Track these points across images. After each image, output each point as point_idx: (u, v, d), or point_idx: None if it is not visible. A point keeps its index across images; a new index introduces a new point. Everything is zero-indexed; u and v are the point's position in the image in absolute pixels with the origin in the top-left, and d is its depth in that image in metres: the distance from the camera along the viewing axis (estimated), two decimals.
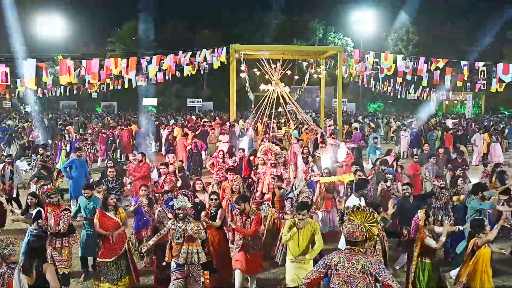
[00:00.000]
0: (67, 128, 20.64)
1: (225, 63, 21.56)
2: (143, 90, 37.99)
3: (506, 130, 22.56)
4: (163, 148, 18.35)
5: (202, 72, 25.27)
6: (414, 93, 36.69)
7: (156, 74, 23.49)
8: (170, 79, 24.63)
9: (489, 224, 8.15)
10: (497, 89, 20.45)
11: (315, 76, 26.02)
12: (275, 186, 8.47)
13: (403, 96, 37.30)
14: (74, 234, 7.23)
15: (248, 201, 6.91)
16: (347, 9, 48.03)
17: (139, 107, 41.90)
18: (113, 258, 6.84)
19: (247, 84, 21.90)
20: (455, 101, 46.75)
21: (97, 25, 46.09)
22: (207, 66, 22.94)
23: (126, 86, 25.68)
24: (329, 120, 25.78)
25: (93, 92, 35.68)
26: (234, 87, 20.81)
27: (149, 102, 42.70)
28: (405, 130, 20.54)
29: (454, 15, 47.91)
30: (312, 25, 48.44)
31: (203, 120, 25.21)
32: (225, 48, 21.10)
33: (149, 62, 20.92)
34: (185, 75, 23.62)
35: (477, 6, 48.32)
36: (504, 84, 19.99)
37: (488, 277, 5.74)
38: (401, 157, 18.87)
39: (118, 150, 18.44)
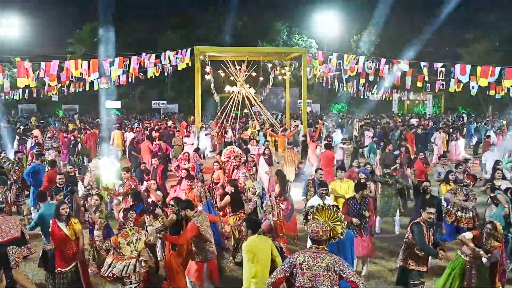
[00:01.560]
0: (33, 131, 19.87)
1: (190, 64, 21.42)
2: (106, 93, 37.31)
3: (465, 128, 23.38)
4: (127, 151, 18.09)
5: (166, 74, 24.95)
6: (377, 93, 37.53)
7: (119, 76, 23.09)
8: (134, 81, 24.23)
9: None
10: (455, 89, 21.15)
11: (280, 77, 26.22)
12: (228, 190, 8.44)
13: (366, 97, 38.06)
14: (26, 246, 6.42)
15: (188, 207, 6.59)
16: (310, 11, 48.58)
17: (102, 110, 41.10)
18: (66, 269, 6.56)
19: (212, 86, 21.82)
20: (416, 101, 48.03)
21: (56, 26, 44.88)
22: (171, 67, 22.71)
23: (87, 88, 25.11)
24: (295, 121, 25.99)
25: (53, 95, 34.67)
26: (199, 89, 20.70)
27: (112, 104, 41.83)
28: (368, 130, 20.91)
29: (413, 18, 49.29)
30: (276, 27, 48.76)
31: (168, 122, 24.97)
32: (189, 49, 20.96)
33: (112, 63, 20.52)
34: (149, 77, 23.30)
35: (436, 10, 49.85)
36: (461, 84, 20.66)
37: None
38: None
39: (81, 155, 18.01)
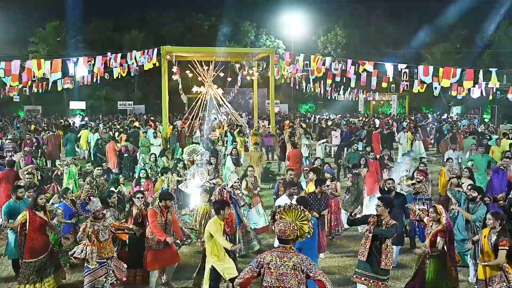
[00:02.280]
0: None
1: (157, 65, 21.15)
2: (70, 93, 36.46)
3: (428, 128, 24.01)
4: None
5: (132, 74, 24.58)
6: (343, 94, 38.10)
7: (83, 77, 22.59)
8: (99, 82, 23.75)
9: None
10: (419, 90, 21.68)
11: (248, 78, 26.27)
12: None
13: (333, 97, 38.58)
14: None
15: (168, 199, 7.11)
16: (278, 12, 48.87)
17: (66, 110, 40.17)
18: (37, 258, 6.78)
19: (180, 86, 21.64)
20: (381, 102, 49.00)
21: (18, 25, 43.48)
22: (137, 68, 22.39)
23: (49, 88, 24.46)
24: (263, 121, 26.10)
25: (14, 95, 33.61)
26: (166, 90, 20.53)
27: (77, 105, 40.99)
28: (335, 130, 21.16)
29: (378, 20, 50.31)
30: (244, 28, 48.83)
31: (134, 123, 24.62)
32: (156, 49, 20.70)
33: (75, 63, 20.04)
34: (115, 77, 22.89)
35: (400, 11, 51.17)
36: (425, 85, 21.19)
37: None
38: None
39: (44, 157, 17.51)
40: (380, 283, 6.04)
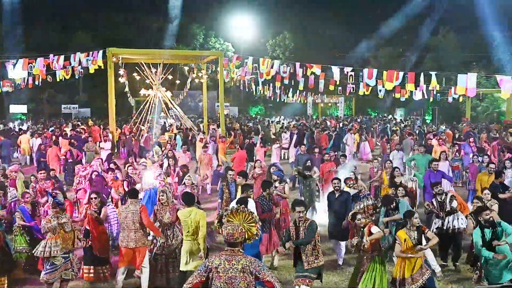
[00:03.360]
0: None
1: (102, 67, 20.56)
2: (10, 97, 34.83)
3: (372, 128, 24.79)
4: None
5: (77, 77, 23.76)
6: (292, 96, 38.66)
7: (24, 79, 21.63)
8: (41, 84, 22.81)
9: None
10: (364, 92, 22.34)
11: (197, 80, 26.09)
12: None
13: (282, 100, 39.04)
14: None
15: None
16: (227, 15, 48.92)
17: (6, 115, 38.29)
18: None
19: (127, 89, 21.17)
20: (329, 104, 50.10)
21: None
22: (82, 70, 21.69)
23: None
24: (213, 124, 25.98)
25: None
26: (113, 92, 20.02)
27: (18, 109, 39.15)
28: (285, 132, 21.37)
29: (325, 25, 51.48)
30: (193, 30, 48.51)
31: (79, 127, 23.81)
32: (101, 51, 20.10)
33: (14, 65, 19.15)
34: (58, 80, 22.06)
35: (346, 17, 52.58)
36: (370, 88, 21.86)
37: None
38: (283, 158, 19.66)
39: None
40: (307, 281, 6.30)
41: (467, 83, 16.07)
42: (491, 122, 31.48)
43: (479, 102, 36.68)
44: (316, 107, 49.64)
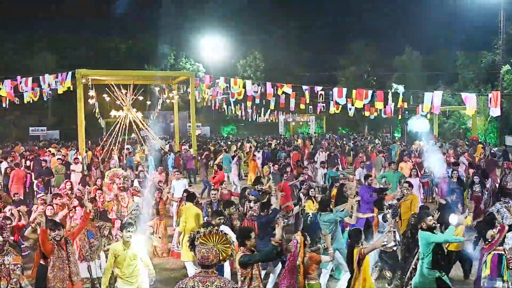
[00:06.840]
0: None
1: (71, 88, 20.22)
2: None
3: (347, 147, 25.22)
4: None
5: (45, 99, 23.30)
6: (264, 116, 38.95)
7: None
8: (7, 107, 22.28)
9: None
10: (334, 110, 22.69)
11: (168, 101, 26.00)
12: None
13: (254, 119, 39.29)
14: None
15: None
16: (197, 35, 49.19)
17: None
18: None
19: (97, 110, 20.89)
20: (300, 122, 50.65)
21: None
22: (50, 92, 21.32)
23: None
24: (185, 144, 25.85)
25: None
26: (82, 114, 19.66)
27: None
28: (258, 152, 21.45)
29: (294, 45, 52.48)
30: (163, 51, 48.52)
31: (47, 149, 23.25)
32: (70, 73, 19.78)
33: None
34: (25, 102, 21.59)
35: (314, 37, 53.76)
36: (340, 106, 22.22)
37: (370, 282, 6.31)
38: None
39: None
40: None
41: (433, 100, 16.56)
42: (460, 138, 32.31)
43: (445, 119, 37.72)
44: (288, 126, 50.07)
